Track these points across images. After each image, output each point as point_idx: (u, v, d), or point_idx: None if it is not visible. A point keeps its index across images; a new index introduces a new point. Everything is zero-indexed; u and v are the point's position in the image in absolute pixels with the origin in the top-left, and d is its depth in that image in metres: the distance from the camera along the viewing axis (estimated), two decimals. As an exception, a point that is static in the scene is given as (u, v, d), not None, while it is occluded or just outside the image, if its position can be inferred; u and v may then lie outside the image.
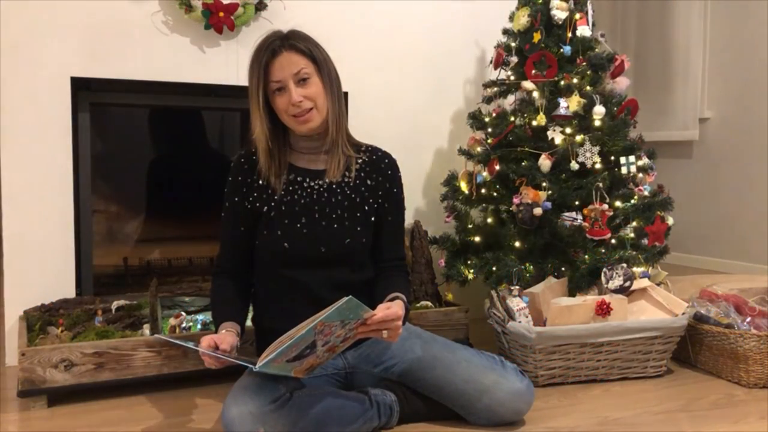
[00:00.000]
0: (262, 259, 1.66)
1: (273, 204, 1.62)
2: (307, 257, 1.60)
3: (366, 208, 1.66)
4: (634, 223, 2.11)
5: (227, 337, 1.49)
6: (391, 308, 1.44)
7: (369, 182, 1.68)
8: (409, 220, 1.96)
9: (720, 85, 3.57)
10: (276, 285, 1.64)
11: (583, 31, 2.17)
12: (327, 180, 1.64)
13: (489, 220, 2.25)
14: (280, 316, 1.59)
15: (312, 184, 1.64)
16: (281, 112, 1.59)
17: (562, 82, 2.14)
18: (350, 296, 1.31)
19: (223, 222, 1.68)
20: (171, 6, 2.19)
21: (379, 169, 1.69)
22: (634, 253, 2.04)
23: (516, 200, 2.05)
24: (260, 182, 1.64)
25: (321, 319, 1.30)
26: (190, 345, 1.50)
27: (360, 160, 1.69)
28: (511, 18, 2.31)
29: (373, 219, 1.68)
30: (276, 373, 1.39)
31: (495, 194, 2.21)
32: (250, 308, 1.72)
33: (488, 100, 2.36)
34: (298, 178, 1.64)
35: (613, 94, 2.20)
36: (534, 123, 2.12)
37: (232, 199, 1.65)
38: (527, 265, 2.09)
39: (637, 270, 2.02)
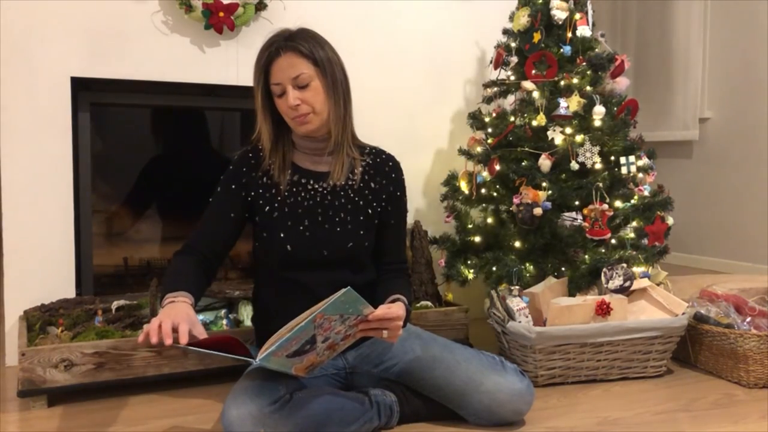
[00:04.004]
0: (263, 260, 1.65)
1: (276, 204, 1.61)
2: (308, 260, 1.59)
3: (369, 211, 1.66)
4: (634, 223, 2.11)
5: (181, 311, 1.33)
6: (392, 308, 1.44)
7: (373, 185, 1.67)
8: (409, 220, 1.96)
9: (720, 85, 3.57)
10: (276, 286, 1.63)
11: (583, 31, 2.17)
12: (331, 182, 1.63)
13: (489, 220, 2.25)
14: (280, 317, 1.58)
15: (316, 186, 1.63)
16: (284, 115, 1.59)
17: (562, 82, 2.14)
18: (349, 287, 1.30)
19: (211, 204, 1.63)
20: (171, 6, 2.19)
21: (384, 173, 1.69)
22: (634, 253, 2.04)
23: (516, 200, 2.05)
24: (264, 180, 1.63)
25: (320, 311, 1.29)
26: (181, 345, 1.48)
27: (364, 163, 1.68)
28: (511, 18, 2.32)
29: (376, 222, 1.67)
30: (276, 368, 1.39)
31: (495, 194, 2.21)
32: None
33: (488, 100, 2.36)
34: (302, 180, 1.63)
35: (613, 94, 2.20)
36: (534, 123, 2.12)
37: (229, 186, 1.63)
38: (527, 265, 2.09)
39: (637, 270, 2.02)
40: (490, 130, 2.27)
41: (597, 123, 2.08)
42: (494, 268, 2.07)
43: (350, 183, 1.65)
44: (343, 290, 1.29)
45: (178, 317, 1.30)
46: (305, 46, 1.54)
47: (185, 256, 1.58)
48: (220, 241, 1.62)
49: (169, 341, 1.24)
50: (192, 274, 1.52)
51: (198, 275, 1.54)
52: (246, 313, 2.03)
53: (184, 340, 1.24)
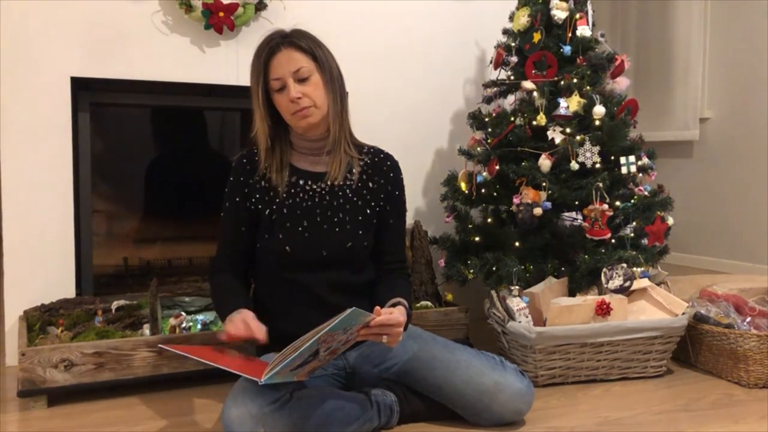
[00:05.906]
0: (263, 261, 1.65)
1: (275, 207, 1.61)
2: (308, 260, 1.60)
3: (368, 211, 1.66)
4: (634, 223, 2.10)
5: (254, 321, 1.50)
6: (393, 314, 1.44)
7: (371, 185, 1.67)
8: (409, 220, 1.96)
9: (720, 85, 3.57)
10: (276, 286, 1.63)
11: (583, 31, 2.17)
12: (329, 182, 1.63)
13: (489, 220, 2.25)
14: (280, 316, 1.59)
15: (314, 186, 1.63)
16: (283, 111, 1.59)
17: (562, 82, 2.14)
18: (354, 308, 1.30)
19: (223, 222, 1.67)
20: (171, 6, 2.19)
21: (382, 172, 1.69)
22: (634, 253, 2.04)
23: (516, 200, 2.05)
24: (262, 183, 1.63)
25: (326, 331, 1.29)
26: (198, 359, 1.49)
27: (362, 162, 1.68)
28: (511, 18, 2.31)
29: (374, 221, 1.67)
30: (280, 381, 1.39)
31: (495, 194, 2.21)
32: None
33: (488, 100, 2.36)
34: (300, 181, 1.64)
35: (613, 94, 2.20)
36: (534, 123, 2.11)
37: (233, 200, 1.65)
38: (527, 265, 2.09)
39: (637, 270, 2.02)
40: (490, 130, 2.27)
41: (597, 123, 2.08)
42: (494, 268, 2.07)
43: (348, 183, 1.65)
44: (349, 310, 1.29)
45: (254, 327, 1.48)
46: (304, 41, 1.57)
47: (221, 276, 1.65)
48: (242, 257, 1.67)
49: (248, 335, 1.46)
50: (239, 292, 1.63)
51: (241, 290, 1.65)
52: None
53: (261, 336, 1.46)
